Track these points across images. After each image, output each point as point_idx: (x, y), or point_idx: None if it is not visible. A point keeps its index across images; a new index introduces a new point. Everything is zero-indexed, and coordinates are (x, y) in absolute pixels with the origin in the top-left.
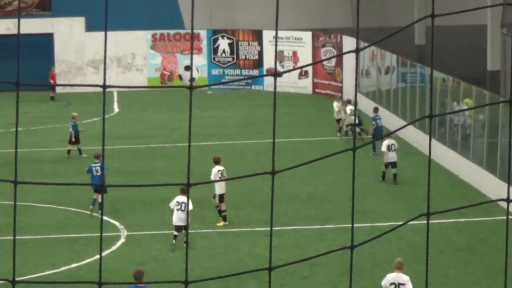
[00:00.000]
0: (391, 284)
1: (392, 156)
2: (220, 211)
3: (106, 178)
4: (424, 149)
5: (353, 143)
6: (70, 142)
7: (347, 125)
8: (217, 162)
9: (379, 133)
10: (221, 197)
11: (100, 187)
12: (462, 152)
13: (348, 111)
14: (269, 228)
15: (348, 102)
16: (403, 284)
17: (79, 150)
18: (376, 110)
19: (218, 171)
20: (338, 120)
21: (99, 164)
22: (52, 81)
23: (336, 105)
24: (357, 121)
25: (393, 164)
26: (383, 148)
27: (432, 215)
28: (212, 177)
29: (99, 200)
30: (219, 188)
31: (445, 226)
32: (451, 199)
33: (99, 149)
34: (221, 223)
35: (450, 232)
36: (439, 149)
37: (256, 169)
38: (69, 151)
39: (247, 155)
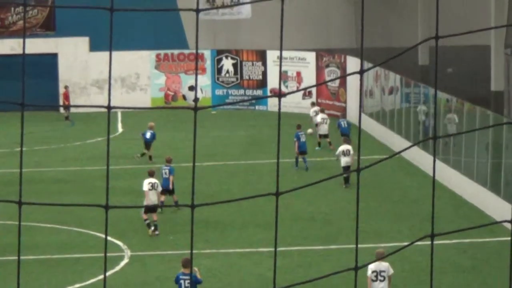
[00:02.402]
0: (373, 272)
1: (346, 160)
2: (148, 222)
3: (173, 182)
4: (428, 170)
5: (357, 164)
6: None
7: (320, 135)
8: (151, 174)
9: (303, 149)
10: (152, 209)
11: (167, 189)
12: (466, 172)
13: (319, 119)
14: (273, 249)
15: (322, 110)
16: (384, 271)
17: (150, 157)
18: (299, 126)
19: (149, 183)
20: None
21: (168, 168)
22: (66, 102)
23: (312, 110)
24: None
25: (346, 168)
26: (337, 152)
27: (436, 236)
28: (145, 188)
29: (175, 199)
30: (150, 199)
31: (449, 247)
32: (455, 219)
33: (104, 168)
34: (150, 232)
35: (453, 253)
36: (443, 170)
37: (260, 189)
38: (143, 154)
39: (251, 175)
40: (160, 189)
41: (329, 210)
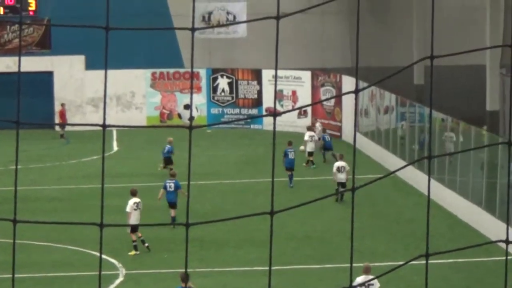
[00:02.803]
0: (359, 285)
1: (341, 177)
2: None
3: (177, 195)
4: (423, 189)
5: (352, 183)
6: (166, 163)
7: (309, 152)
8: (133, 194)
9: (288, 166)
10: (134, 228)
11: (174, 203)
12: (461, 192)
13: (307, 137)
14: (267, 268)
15: (308, 128)
16: (372, 285)
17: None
18: (290, 143)
19: (134, 203)
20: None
21: (173, 181)
22: (61, 119)
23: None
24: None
25: (343, 184)
26: (334, 169)
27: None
28: (128, 209)
29: (172, 215)
30: (134, 219)
31: (444, 266)
32: (450, 239)
33: (99, 187)
34: (133, 253)
35: (448, 272)
36: (438, 189)
37: (255, 208)
38: (165, 167)
39: (246, 194)
40: (141, 208)
41: (324, 229)
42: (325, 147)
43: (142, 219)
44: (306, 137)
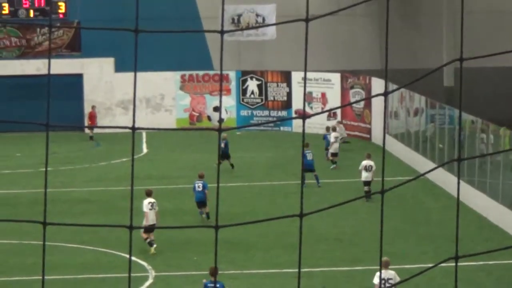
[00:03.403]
0: (381, 279)
1: (367, 176)
2: (150, 241)
3: (206, 195)
4: (453, 191)
5: (381, 186)
6: (222, 158)
7: (332, 153)
8: (148, 194)
9: (308, 167)
10: (151, 228)
11: (203, 202)
12: (491, 194)
13: (332, 139)
14: (297, 270)
15: (333, 129)
16: (391, 279)
17: (231, 165)
18: (307, 145)
19: (149, 203)
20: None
21: (201, 182)
22: (90, 122)
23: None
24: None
25: (367, 183)
26: (360, 167)
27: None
28: (145, 209)
29: (207, 211)
30: (150, 219)
31: (474, 269)
32: (480, 241)
33: (128, 189)
34: (151, 250)
35: (479, 275)
36: (468, 191)
37: (285, 210)
38: (220, 163)
39: (276, 196)
40: (157, 208)
41: (354, 231)
42: (326, 146)
43: (169, 221)
44: (332, 139)
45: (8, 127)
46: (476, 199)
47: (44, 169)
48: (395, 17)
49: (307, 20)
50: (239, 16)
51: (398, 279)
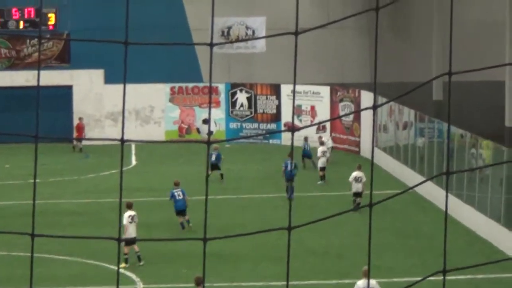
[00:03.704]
0: None
1: (357, 187)
2: (126, 258)
3: (187, 202)
4: (442, 205)
5: (370, 199)
6: (212, 169)
7: (321, 168)
8: (129, 207)
9: (288, 177)
10: (131, 242)
11: (184, 210)
12: (479, 208)
13: (319, 153)
14: (285, 283)
15: (321, 143)
16: None
17: (221, 175)
18: (290, 154)
19: (129, 216)
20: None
21: (180, 189)
22: (77, 134)
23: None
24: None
25: (358, 194)
26: (351, 178)
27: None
28: (125, 222)
29: (187, 218)
30: (129, 232)
31: (462, 282)
32: (468, 255)
33: (117, 201)
34: (123, 265)
35: None
36: (457, 205)
37: (273, 223)
38: (208, 175)
39: (264, 209)
40: (137, 221)
41: (342, 244)
42: (304, 155)
43: (158, 234)
44: (319, 153)
45: None
46: (464, 213)
47: (32, 180)
48: (385, 30)
49: (296, 33)
50: (229, 28)
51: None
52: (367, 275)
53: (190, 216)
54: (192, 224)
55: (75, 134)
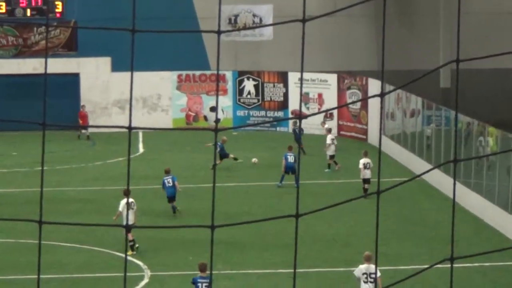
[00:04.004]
0: (363, 274)
1: (366, 173)
2: (130, 241)
3: (177, 188)
4: (449, 193)
5: (377, 186)
6: (220, 158)
7: (330, 156)
8: (126, 194)
9: (289, 169)
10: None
11: (174, 197)
12: (487, 196)
13: (329, 141)
14: (292, 270)
15: (329, 131)
16: (373, 273)
17: (235, 158)
18: (290, 148)
19: (126, 203)
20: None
21: (170, 177)
22: (81, 121)
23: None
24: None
25: (367, 180)
26: (360, 165)
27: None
28: (120, 209)
29: (174, 204)
30: (127, 218)
31: (470, 270)
32: (476, 243)
33: (124, 188)
34: (130, 252)
35: (474, 277)
36: (464, 193)
37: (280, 211)
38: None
39: (271, 197)
40: (135, 208)
41: (349, 232)
42: (295, 138)
43: (164, 221)
44: (328, 141)
45: (5, 126)
46: (472, 200)
47: (39, 168)
48: (392, 18)
49: (304, 20)
50: (236, 16)
51: (379, 274)
52: (369, 260)
53: (198, 203)
54: (180, 208)
55: (80, 122)
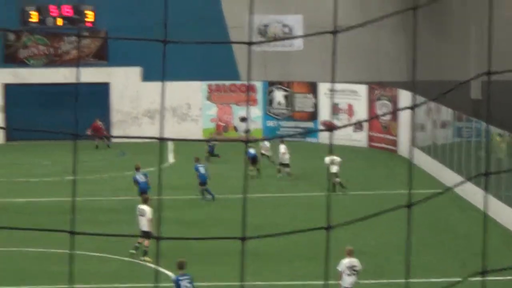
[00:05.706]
0: (347, 267)
1: (334, 169)
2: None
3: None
4: (480, 205)
5: (408, 200)
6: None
7: (280, 164)
8: (145, 201)
9: (202, 181)
10: (147, 234)
11: (145, 191)
12: None
13: (283, 150)
14: (321, 282)
15: (282, 141)
16: (356, 266)
17: (258, 170)
18: (197, 160)
19: (138, 209)
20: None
21: (141, 173)
22: (96, 133)
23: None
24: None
25: (336, 175)
26: (327, 161)
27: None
28: (150, 216)
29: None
30: (143, 224)
31: (501, 284)
32: (506, 256)
33: (155, 199)
34: (147, 258)
35: None
36: (495, 205)
37: (309, 223)
38: (251, 170)
39: (300, 208)
40: (148, 216)
41: (377, 243)
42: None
43: (194, 232)
44: (282, 150)
45: (36, 135)
46: (503, 214)
47: (71, 177)
48: (422, 28)
49: (335, 32)
50: (266, 26)
51: (360, 266)
52: (350, 254)
53: (227, 214)
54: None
55: (92, 133)
